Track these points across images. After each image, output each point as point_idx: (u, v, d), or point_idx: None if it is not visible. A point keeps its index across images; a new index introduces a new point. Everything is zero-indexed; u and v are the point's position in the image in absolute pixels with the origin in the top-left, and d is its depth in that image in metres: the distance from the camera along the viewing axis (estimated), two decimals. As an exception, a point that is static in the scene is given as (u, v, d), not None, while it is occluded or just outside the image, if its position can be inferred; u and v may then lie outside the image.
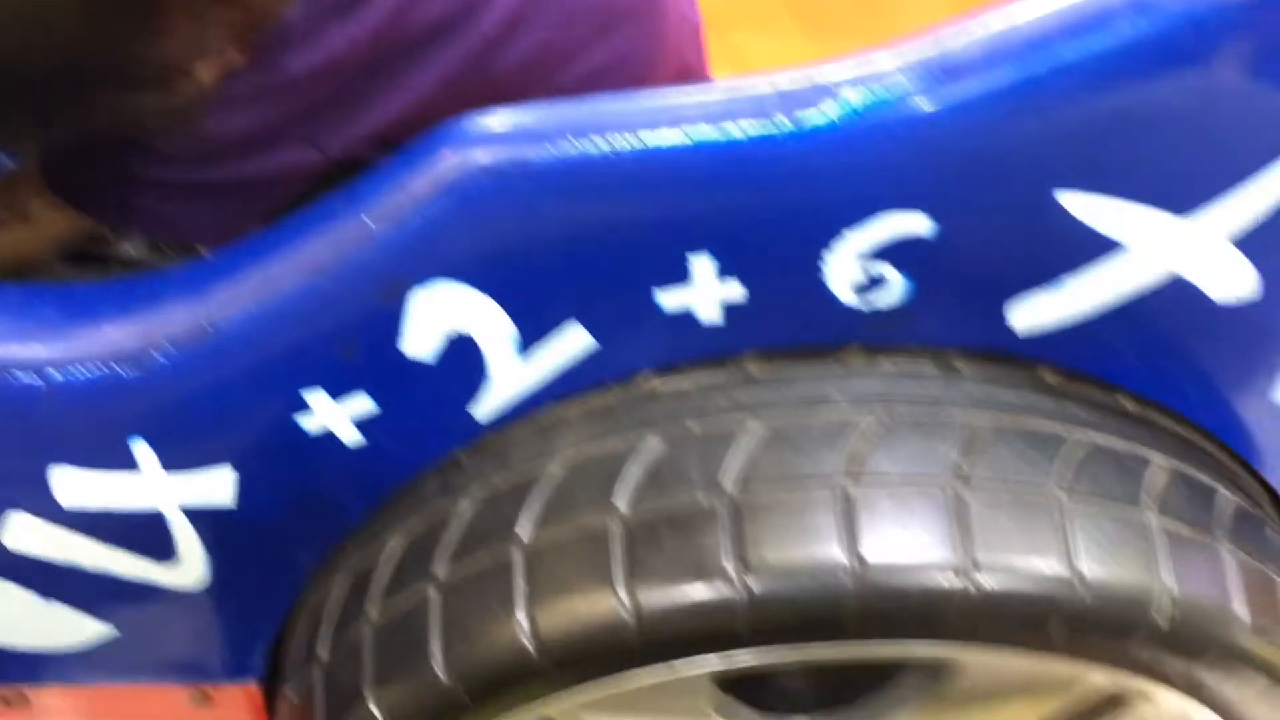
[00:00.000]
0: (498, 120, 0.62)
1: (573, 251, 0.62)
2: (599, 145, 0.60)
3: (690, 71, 0.83)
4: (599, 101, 0.64)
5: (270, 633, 0.76)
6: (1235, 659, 0.64)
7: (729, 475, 0.63)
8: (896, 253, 0.61)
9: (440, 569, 0.66)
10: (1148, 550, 0.63)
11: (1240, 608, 0.64)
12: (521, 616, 0.63)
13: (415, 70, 0.69)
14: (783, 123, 0.59)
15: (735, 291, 0.63)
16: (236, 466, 0.67)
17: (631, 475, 0.64)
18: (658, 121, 0.60)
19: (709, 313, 0.64)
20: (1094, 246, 0.63)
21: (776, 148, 0.59)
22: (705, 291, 0.63)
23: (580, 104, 0.63)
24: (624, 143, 0.59)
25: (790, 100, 0.60)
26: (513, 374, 0.65)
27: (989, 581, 0.60)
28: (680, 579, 0.61)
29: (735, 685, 0.70)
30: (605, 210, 0.62)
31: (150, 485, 0.67)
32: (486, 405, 0.66)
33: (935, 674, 0.68)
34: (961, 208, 0.61)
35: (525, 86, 0.71)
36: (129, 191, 0.72)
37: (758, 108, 0.60)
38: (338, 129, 0.71)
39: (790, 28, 1.09)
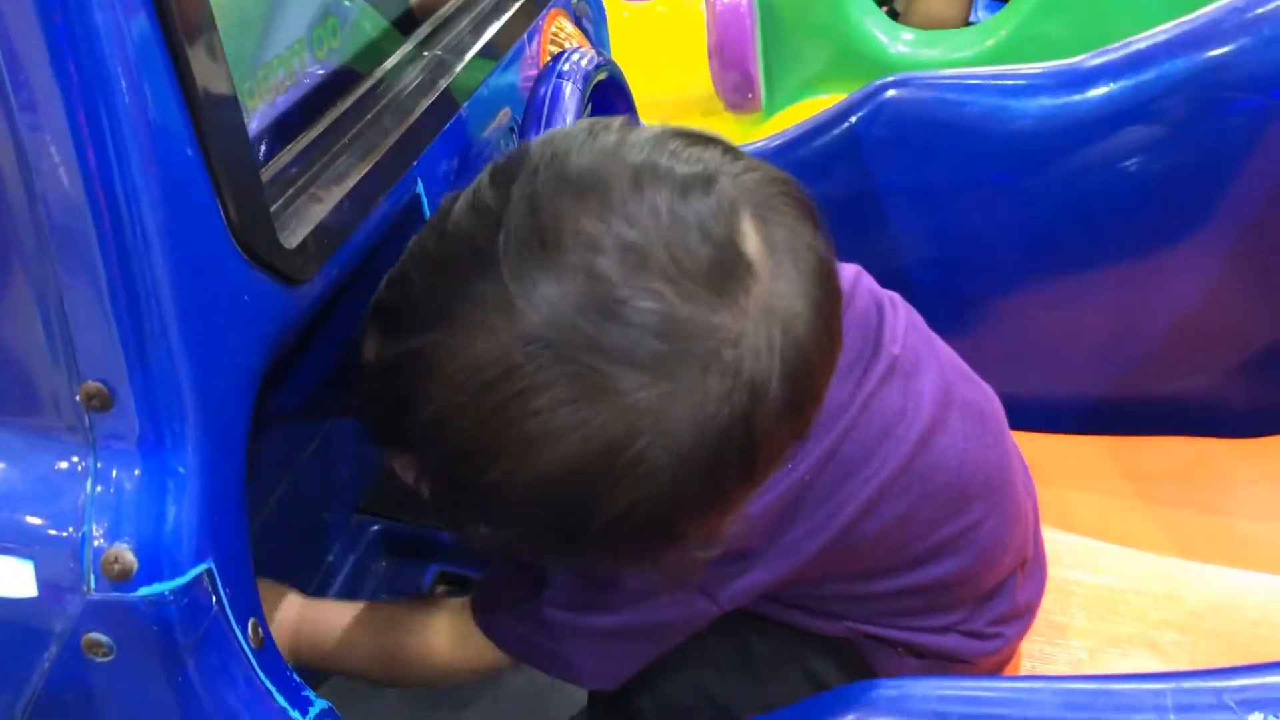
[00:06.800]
0: (908, 693, 0.62)
1: None
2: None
3: (1028, 537, 0.87)
4: (1005, 688, 0.64)
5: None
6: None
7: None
8: None
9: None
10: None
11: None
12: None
13: (803, 533, 0.73)
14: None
15: None
16: None
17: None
18: None
19: None
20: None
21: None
22: None
23: (988, 688, 0.64)
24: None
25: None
26: None
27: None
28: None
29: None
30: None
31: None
32: None
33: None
34: None
35: (875, 551, 0.76)
36: (533, 632, 0.77)
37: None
38: (732, 582, 0.74)
39: (1119, 487, 1.09)
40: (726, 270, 0.57)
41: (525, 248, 0.57)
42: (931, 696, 0.61)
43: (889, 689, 0.62)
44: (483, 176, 0.63)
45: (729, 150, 0.62)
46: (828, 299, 0.61)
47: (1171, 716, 0.57)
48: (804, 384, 0.60)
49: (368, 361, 0.66)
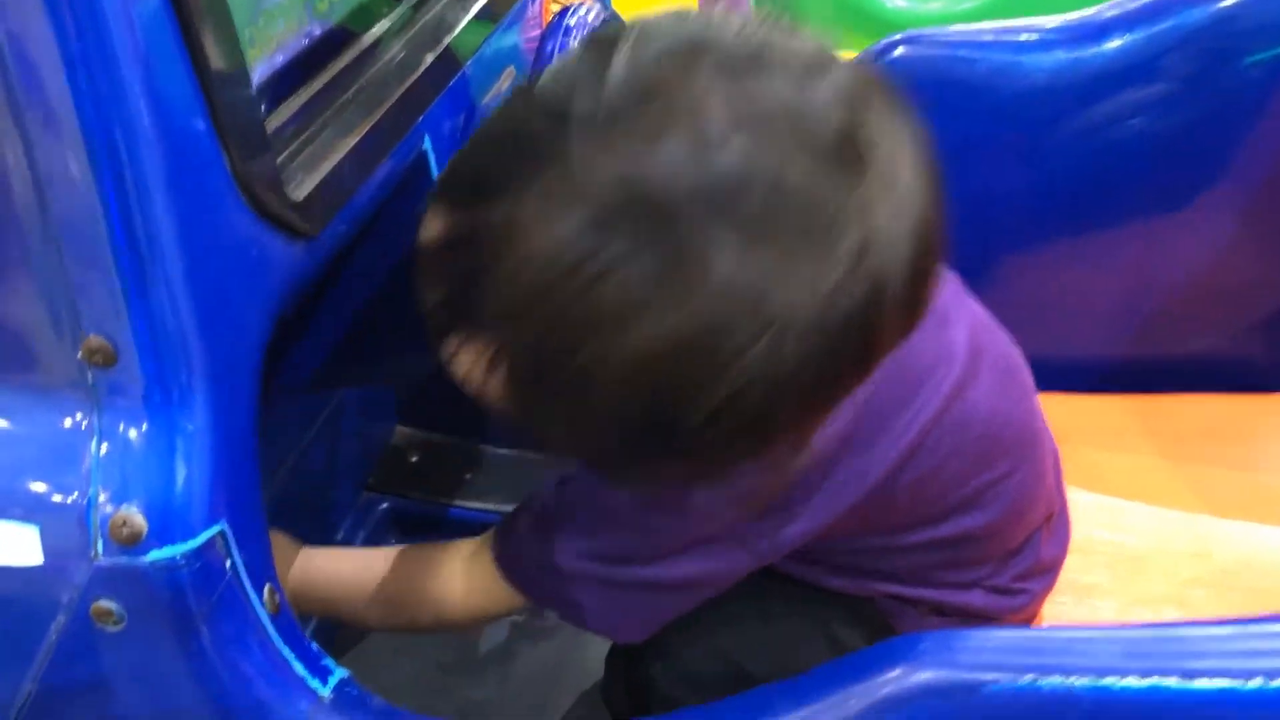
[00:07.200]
0: (960, 644, 0.59)
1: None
2: (1058, 681, 0.56)
3: (1053, 492, 0.86)
4: (1060, 637, 0.62)
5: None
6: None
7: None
8: None
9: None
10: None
11: None
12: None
13: (845, 480, 0.71)
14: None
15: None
16: None
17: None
18: (1120, 669, 0.55)
19: None
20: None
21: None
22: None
23: (1044, 637, 0.63)
24: (1085, 681, 0.55)
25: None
26: None
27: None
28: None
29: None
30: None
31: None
32: None
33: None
34: None
35: (910, 503, 0.74)
36: (559, 580, 0.75)
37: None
38: (773, 534, 0.72)
39: (1143, 446, 1.08)
40: (853, 148, 0.52)
41: (629, 107, 0.52)
42: (985, 647, 0.58)
43: (940, 639, 0.59)
44: (572, 48, 0.59)
45: (829, 46, 0.58)
46: (936, 193, 0.56)
47: (1238, 663, 0.54)
48: (923, 273, 0.56)
49: (432, 240, 0.60)
